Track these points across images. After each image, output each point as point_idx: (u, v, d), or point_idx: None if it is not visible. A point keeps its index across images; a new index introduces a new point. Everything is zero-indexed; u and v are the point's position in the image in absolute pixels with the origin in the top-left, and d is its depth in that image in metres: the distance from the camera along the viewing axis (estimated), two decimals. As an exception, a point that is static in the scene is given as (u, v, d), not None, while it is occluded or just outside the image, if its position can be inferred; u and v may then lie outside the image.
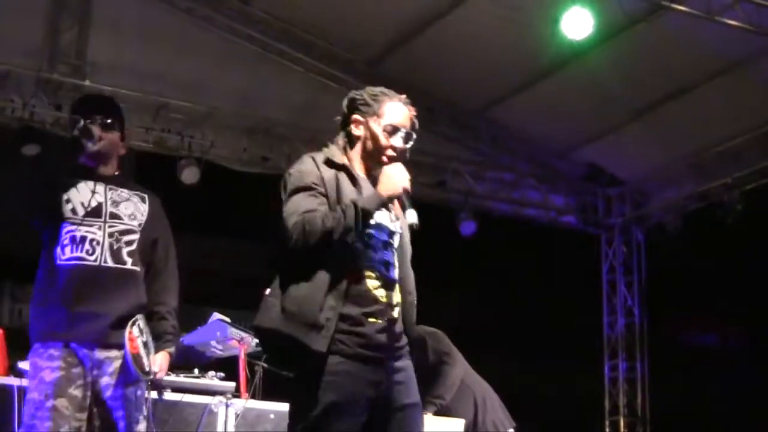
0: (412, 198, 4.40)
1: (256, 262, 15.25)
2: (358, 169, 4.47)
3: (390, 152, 4.47)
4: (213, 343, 7.22)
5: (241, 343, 7.09)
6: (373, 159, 4.49)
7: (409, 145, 4.53)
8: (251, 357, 7.13)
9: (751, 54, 10.69)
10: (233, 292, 13.67)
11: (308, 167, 4.34)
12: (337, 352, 4.13)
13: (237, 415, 6.60)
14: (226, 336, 7.11)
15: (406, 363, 4.36)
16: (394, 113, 4.51)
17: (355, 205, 4.18)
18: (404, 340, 4.38)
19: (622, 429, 13.69)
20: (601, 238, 14.21)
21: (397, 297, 4.36)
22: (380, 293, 4.29)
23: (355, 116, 4.50)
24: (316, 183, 4.28)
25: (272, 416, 6.73)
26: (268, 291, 4.33)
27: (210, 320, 7.25)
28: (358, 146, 4.50)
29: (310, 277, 4.16)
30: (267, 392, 7.09)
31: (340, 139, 4.54)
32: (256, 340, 7.10)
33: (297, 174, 4.33)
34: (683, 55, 10.84)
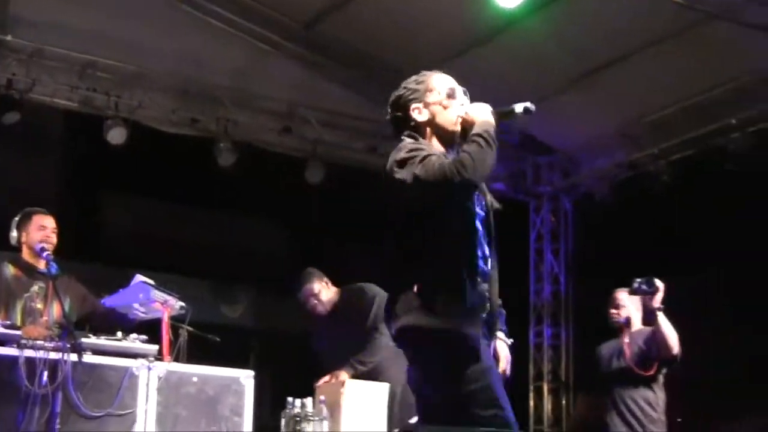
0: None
1: (181, 224, 15.08)
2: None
3: (459, 111, 4.53)
4: (136, 305, 7.13)
5: (165, 305, 7.01)
6: (447, 132, 4.53)
7: (468, 101, 4.59)
8: (174, 320, 7.03)
9: (684, 26, 10.65)
10: (159, 255, 13.49)
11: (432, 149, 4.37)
12: None
13: (159, 378, 6.52)
14: (149, 298, 7.03)
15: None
16: (442, 81, 4.60)
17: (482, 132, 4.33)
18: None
19: (546, 395, 13.74)
20: (530, 205, 14.18)
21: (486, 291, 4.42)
22: (483, 287, 4.36)
23: (413, 106, 4.54)
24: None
25: (195, 379, 6.63)
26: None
27: (133, 282, 7.13)
28: (429, 130, 4.53)
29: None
30: (191, 355, 7.01)
31: (410, 139, 4.49)
32: (181, 303, 6.99)
33: (424, 149, 4.33)
34: (619, 23, 10.77)
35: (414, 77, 4.63)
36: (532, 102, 4.66)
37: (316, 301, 7.93)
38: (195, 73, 11.76)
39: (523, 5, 10.10)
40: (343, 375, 7.52)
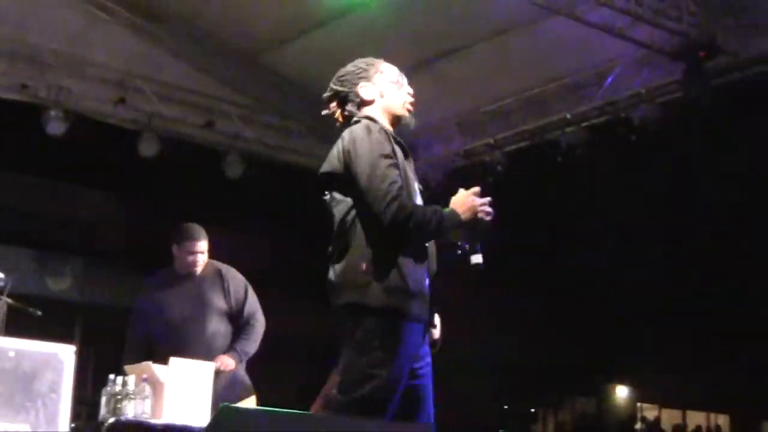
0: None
1: (5, 190, 14.64)
2: None
3: (407, 96, 4.66)
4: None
5: (-17, 278, 6.74)
6: (392, 113, 4.64)
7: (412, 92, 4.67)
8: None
9: (525, 20, 10.84)
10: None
11: (383, 137, 4.41)
12: None
13: (-25, 351, 6.26)
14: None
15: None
16: (391, 69, 4.76)
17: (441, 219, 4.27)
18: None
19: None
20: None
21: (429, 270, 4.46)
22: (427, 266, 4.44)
23: (361, 83, 4.65)
24: (395, 153, 4.39)
25: (12, 354, 6.40)
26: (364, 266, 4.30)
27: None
28: (375, 109, 4.62)
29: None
30: (10, 329, 6.82)
31: (361, 115, 4.59)
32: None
33: (376, 140, 4.38)
34: (462, 13, 10.90)
35: (363, 59, 4.76)
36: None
37: (198, 260, 7.51)
38: (25, 36, 11.38)
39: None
40: (232, 363, 7.37)
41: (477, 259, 4.39)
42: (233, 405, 4.15)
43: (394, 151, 4.41)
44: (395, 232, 4.23)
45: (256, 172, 12.93)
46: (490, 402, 25.49)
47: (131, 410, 6.41)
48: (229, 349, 7.44)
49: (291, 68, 12.69)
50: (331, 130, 13.91)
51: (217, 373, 7.07)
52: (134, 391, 6.46)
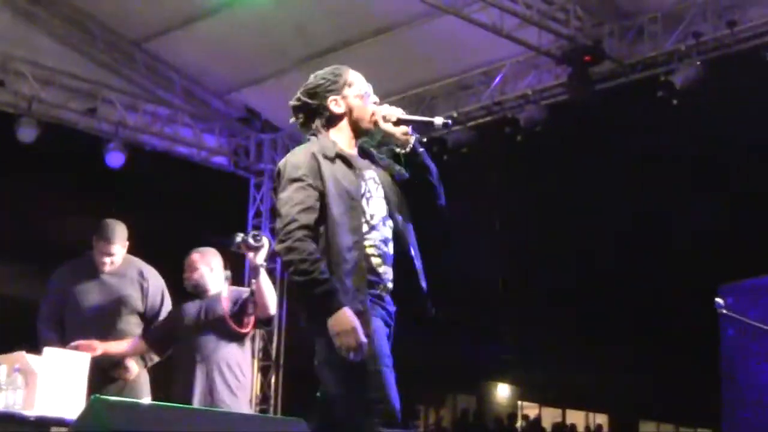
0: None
1: None
2: (347, 145, 4.62)
3: (374, 108, 4.68)
4: None
5: None
6: (360, 125, 4.66)
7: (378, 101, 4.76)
8: None
9: (411, 17, 10.94)
10: None
11: (299, 160, 4.50)
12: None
13: None
14: None
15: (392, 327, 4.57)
16: (358, 79, 4.78)
17: (328, 302, 4.24)
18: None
19: (256, 373, 13.78)
20: (250, 182, 14.20)
21: (391, 271, 4.53)
22: (383, 269, 4.48)
23: (331, 97, 4.67)
24: (307, 175, 4.43)
25: None
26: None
27: None
28: (343, 122, 4.67)
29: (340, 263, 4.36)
30: None
31: (321, 128, 4.66)
32: None
33: (291, 165, 4.49)
34: (348, 9, 10.95)
35: (329, 69, 4.77)
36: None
37: (106, 261, 7.33)
38: None
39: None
40: (135, 368, 7.28)
41: (439, 120, 4.61)
42: (104, 397, 4.14)
43: (318, 170, 4.48)
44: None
45: (138, 160, 12.79)
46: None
47: (2, 401, 6.33)
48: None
49: (176, 57, 12.62)
50: (214, 122, 14.03)
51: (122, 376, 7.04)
52: (5, 382, 6.38)
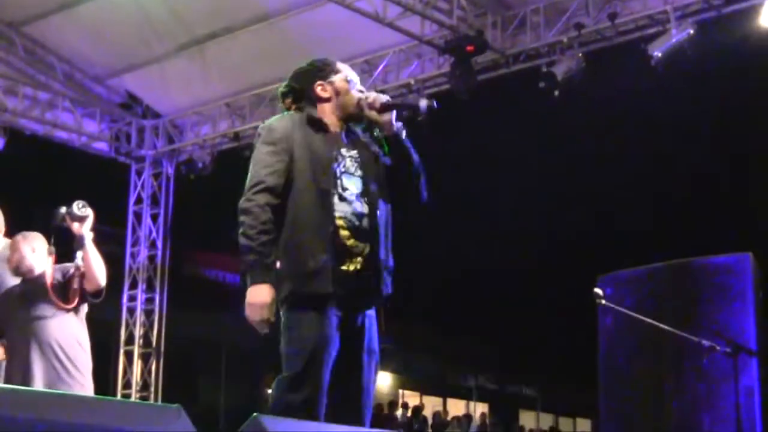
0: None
1: None
2: (334, 129, 4.72)
3: (359, 95, 4.76)
4: None
5: None
6: (346, 110, 4.76)
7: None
8: None
9: (291, 6, 10.95)
10: None
11: (278, 122, 4.71)
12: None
13: None
14: None
15: (372, 312, 4.70)
16: (345, 67, 4.89)
17: (254, 272, 4.46)
18: (382, 285, 4.66)
19: (136, 359, 13.68)
20: (131, 168, 14.05)
21: (368, 247, 4.60)
22: (352, 243, 4.57)
23: (318, 82, 4.78)
24: (281, 140, 4.60)
25: None
26: None
27: None
28: (329, 106, 4.76)
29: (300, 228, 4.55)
30: None
31: (307, 107, 4.77)
32: None
33: (269, 128, 4.68)
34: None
35: (319, 59, 4.90)
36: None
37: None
38: None
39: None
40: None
41: (423, 103, 4.70)
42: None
43: (293, 136, 4.64)
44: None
45: (18, 145, 12.57)
46: (252, 385, 25.57)
47: None
48: None
49: (56, 41, 12.44)
50: (94, 107, 13.84)
51: None
52: None
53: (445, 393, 31.98)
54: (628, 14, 10.15)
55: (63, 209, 6.45)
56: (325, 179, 4.57)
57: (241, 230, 4.52)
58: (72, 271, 6.72)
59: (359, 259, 4.58)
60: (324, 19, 10.95)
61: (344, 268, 4.54)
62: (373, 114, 4.73)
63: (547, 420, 34.80)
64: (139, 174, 14.04)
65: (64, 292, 6.77)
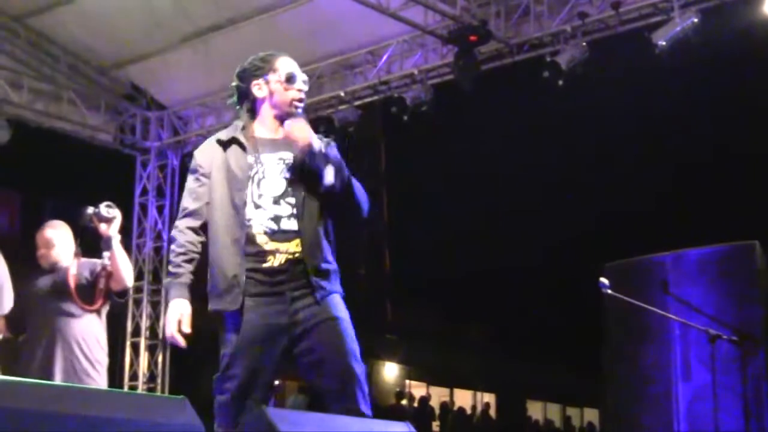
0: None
1: None
2: (269, 128, 4.80)
3: (295, 94, 4.80)
4: None
5: None
6: (282, 109, 4.78)
7: (306, 88, 4.88)
8: None
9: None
10: None
11: (202, 149, 4.86)
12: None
13: None
14: None
15: (317, 294, 4.65)
16: (287, 65, 4.85)
17: (168, 292, 4.78)
18: (310, 276, 4.65)
19: (142, 351, 13.70)
20: (137, 159, 14.06)
21: (293, 245, 4.64)
22: (271, 245, 4.64)
23: (254, 81, 4.80)
24: (202, 165, 4.79)
25: None
26: None
27: None
28: (265, 106, 4.81)
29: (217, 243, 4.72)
30: None
31: (243, 113, 4.84)
32: None
33: (195, 156, 4.85)
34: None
35: (262, 54, 4.88)
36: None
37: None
38: None
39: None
40: None
41: (329, 177, 4.63)
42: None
43: (212, 156, 4.79)
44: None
45: (23, 137, 12.58)
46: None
47: None
48: None
49: (60, 33, 12.44)
50: (99, 99, 13.82)
51: None
52: None
53: (451, 383, 32.01)
54: (631, 3, 10.13)
55: (90, 209, 6.41)
56: (239, 193, 4.69)
57: (170, 255, 4.81)
58: (99, 269, 6.73)
59: (283, 255, 4.64)
60: (327, 10, 10.97)
61: (267, 265, 4.63)
62: (292, 135, 4.72)
63: (554, 410, 34.85)
64: (144, 165, 14.05)
65: (90, 291, 6.79)
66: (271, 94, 4.81)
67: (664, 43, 9.71)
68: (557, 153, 24.54)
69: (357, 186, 4.76)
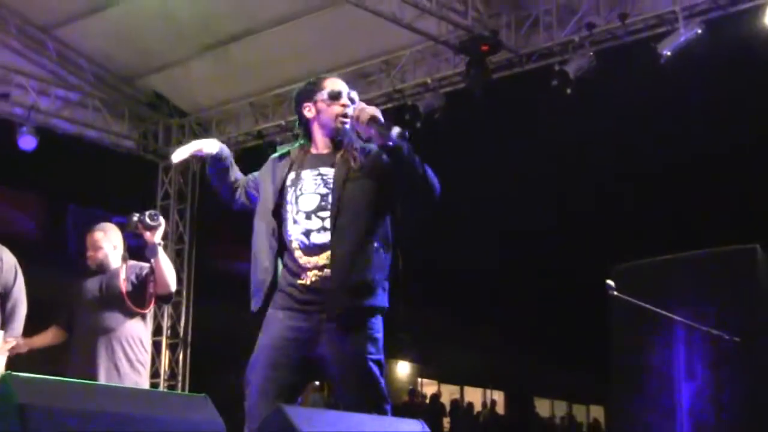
0: None
1: None
2: (321, 145, 4.81)
3: (339, 110, 4.78)
4: None
5: None
6: (330, 127, 4.79)
7: (352, 104, 4.79)
8: None
9: (313, 7, 11.01)
10: None
11: (263, 167, 4.97)
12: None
13: None
14: None
15: (343, 320, 4.66)
16: (332, 84, 4.86)
17: None
18: (342, 295, 4.63)
19: (164, 349, 13.74)
20: (159, 166, 14.11)
21: (323, 259, 4.65)
22: (304, 260, 4.67)
23: (305, 104, 4.82)
24: (260, 172, 4.95)
25: None
26: None
27: None
28: (315, 126, 4.82)
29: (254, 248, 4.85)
30: None
31: (301, 133, 4.89)
32: None
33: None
34: (247, 0, 10.94)
35: (313, 78, 4.93)
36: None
37: None
38: None
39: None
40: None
41: (395, 130, 4.61)
42: (15, 373, 4.07)
43: (274, 171, 4.86)
44: None
45: (50, 144, 12.66)
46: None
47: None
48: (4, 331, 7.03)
49: (86, 44, 12.52)
50: (123, 107, 13.86)
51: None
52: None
53: (462, 381, 32.01)
54: (637, 14, 10.13)
55: (136, 217, 6.48)
56: (277, 206, 4.80)
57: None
58: (145, 274, 6.78)
59: (313, 272, 4.66)
60: (343, 19, 10.99)
61: (300, 282, 4.68)
62: (361, 127, 4.73)
63: (561, 407, 34.83)
64: (166, 171, 14.10)
65: (141, 294, 6.85)
66: (318, 113, 4.82)
67: (669, 53, 9.73)
68: (565, 158, 24.51)
69: (426, 166, 4.73)
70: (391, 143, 4.60)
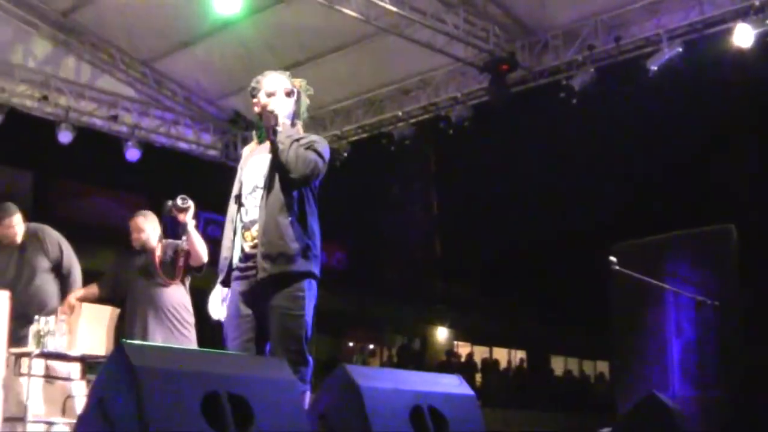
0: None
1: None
2: (266, 138, 4.67)
3: (265, 108, 4.68)
4: None
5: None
6: (263, 120, 4.68)
7: (266, 97, 4.74)
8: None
9: (362, 37, 11.00)
10: None
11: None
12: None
13: None
14: None
15: (260, 276, 4.54)
16: (265, 80, 4.82)
17: None
18: (268, 261, 4.51)
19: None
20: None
21: (254, 232, 4.61)
22: (246, 234, 4.66)
23: (253, 101, 4.81)
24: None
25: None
26: None
27: None
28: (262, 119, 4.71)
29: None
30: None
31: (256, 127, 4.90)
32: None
33: None
34: (313, 31, 10.99)
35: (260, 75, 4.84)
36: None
37: (17, 232, 7.16)
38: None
39: (240, 11, 9.97)
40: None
41: (278, 129, 4.63)
42: (129, 341, 4.16)
43: (243, 161, 4.94)
44: None
45: (151, 156, 12.84)
46: (336, 339, 25.77)
47: (52, 344, 6.38)
48: (65, 300, 7.10)
49: (178, 73, 12.64)
50: (208, 123, 13.94)
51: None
52: (54, 329, 6.43)
53: (491, 343, 31.94)
54: (630, 37, 10.10)
55: (169, 202, 6.42)
56: (236, 192, 4.78)
57: None
58: (177, 249, 6.83)
59: (249, 243, 4.64)
60: (388, 46, 11.01)
61: (242, 253, 4.65)
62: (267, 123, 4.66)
63: (573, 363, 34.61)
64: (244, 175, 14.17)
65: (172, 267, 6.90)
66: (259, 111, 4.79)
67: (655, 68, 9.71)
68: (573, 156, 24.42)
69: (299, 153, 4.56)
70: (271, 138, 4.60)
